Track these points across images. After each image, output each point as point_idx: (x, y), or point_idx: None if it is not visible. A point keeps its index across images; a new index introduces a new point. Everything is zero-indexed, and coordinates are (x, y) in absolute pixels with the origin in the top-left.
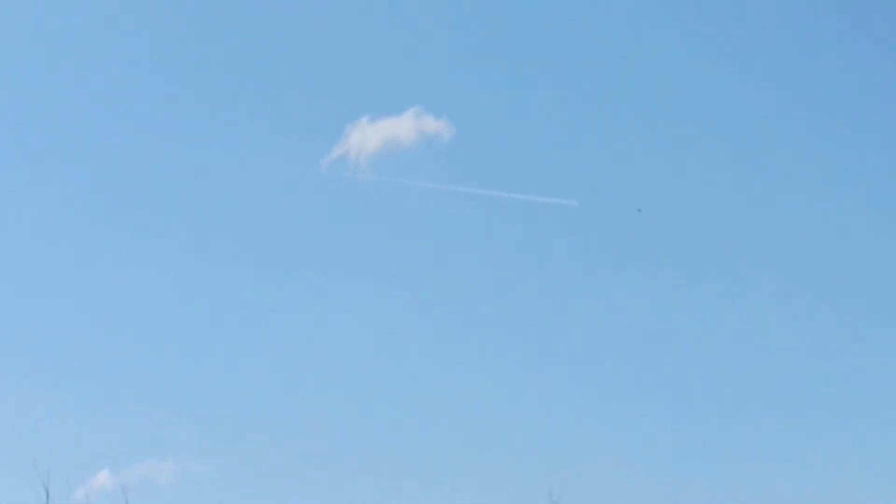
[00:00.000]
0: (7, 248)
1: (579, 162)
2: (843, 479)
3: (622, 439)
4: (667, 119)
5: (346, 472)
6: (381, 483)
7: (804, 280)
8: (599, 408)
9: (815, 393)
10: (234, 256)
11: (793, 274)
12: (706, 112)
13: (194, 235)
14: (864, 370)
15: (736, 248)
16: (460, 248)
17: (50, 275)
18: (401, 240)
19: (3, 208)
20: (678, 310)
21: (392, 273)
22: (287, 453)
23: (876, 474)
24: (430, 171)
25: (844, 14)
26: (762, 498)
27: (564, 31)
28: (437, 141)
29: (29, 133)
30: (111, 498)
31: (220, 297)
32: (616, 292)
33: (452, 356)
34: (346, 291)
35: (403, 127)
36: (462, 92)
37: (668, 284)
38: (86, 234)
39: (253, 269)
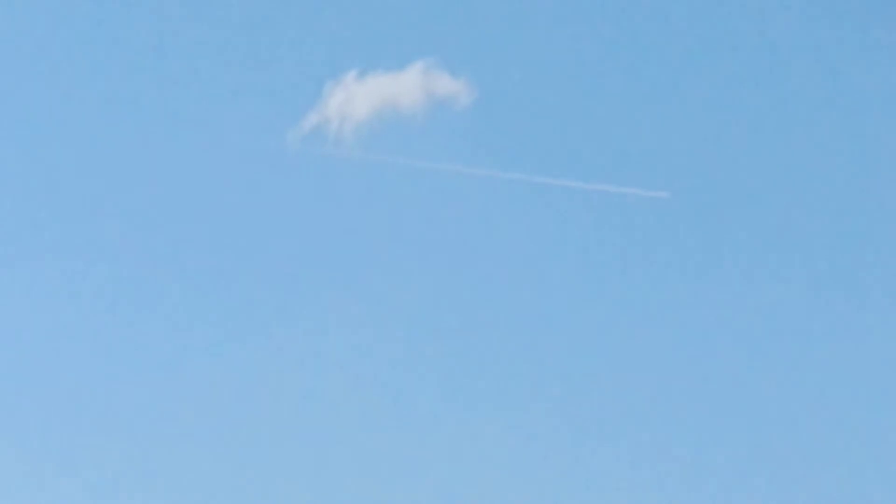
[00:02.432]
0: None
1: (640, 140)
2: None
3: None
4: (768, 93)
5: None
6: None
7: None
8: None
9: None
10: (174, 258)
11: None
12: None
13: (120, 230)
14: None
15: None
16: (479, 250)
17: None
18: (399, 238)
19: None
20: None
21: (385, 281)
22: None
23: None
24: (442, 148)
25: None
26: None
27: None
28: (453, 106)
29: None
30: None
31: (155, 307)
32: (689, 305)
33: (463, 390)
34: (323, 304)
35: (406, 86)
36: (488, 41)
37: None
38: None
39: (201, 275)
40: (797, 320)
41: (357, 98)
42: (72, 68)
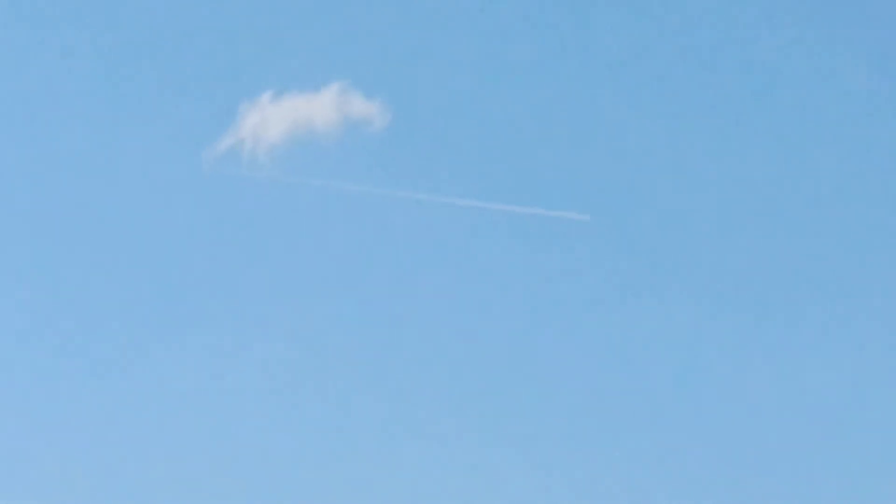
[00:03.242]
0: None
1: (554, 160)
2: None
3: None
4: (679, 105)
5: None
6: None
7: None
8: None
9: None
10: (86, 285)
11: (837, 301)
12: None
13: (34, 249)
14: None
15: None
16: (393, 271)
17: None
18: (313, 259)
19: None
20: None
21: (298, 302)
22: None
23: None
24: (356, 169)
25: None
26: None
27: None
28: (367, 128)
29: None
30: None
31: (68, 337)
32: (612, 326)
33: (388, 417)
34: (237, 324)
35: (320, 108)
36: (403, 63)
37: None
38: None
39: (112, 301)
40: (718, 340)
41: (272, 119)
42: None
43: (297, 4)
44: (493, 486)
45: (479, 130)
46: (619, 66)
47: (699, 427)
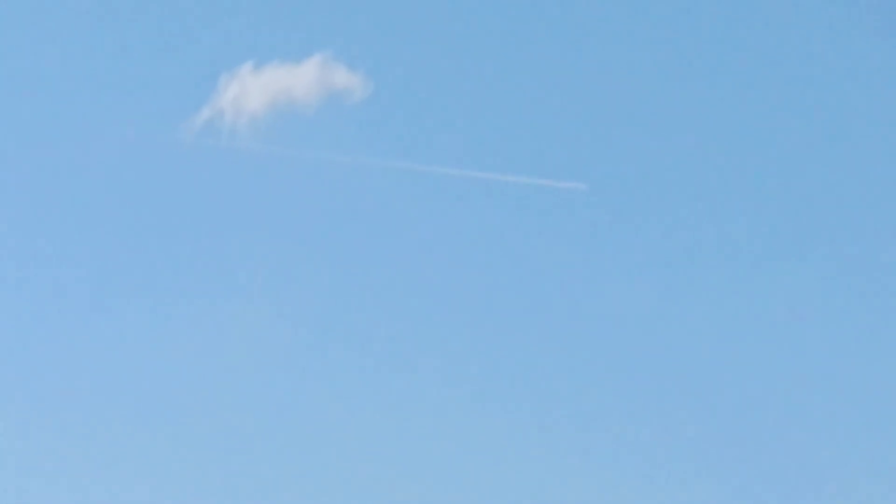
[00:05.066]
0: None
1: (542, 129)
2: None
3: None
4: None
5: None
6: None
7: (843, 278)
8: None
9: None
10: (66, 252)
11: (831, 271)
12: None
13: (17, 225)
14: None
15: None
16: (376, 242)
17: None
18: (292, 230)
19: None
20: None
21: (280, 274)
22: None
23: None
24: (337, 141)
25: None
26: None
27: None
28: (348, 100)
29: None
30: None
31: (48, 303)
32: (600, 298)
33: (357, 390)
34: (218, 297)
35: (302, 79)
36: (385, 35)
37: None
38: None
39: (93, 269)
40: (713, 311)
41: (252, 90)
42: None
43: None
44: (500, 457)
45: (461, 101)
46: (613, 30)
47: (697, 399)
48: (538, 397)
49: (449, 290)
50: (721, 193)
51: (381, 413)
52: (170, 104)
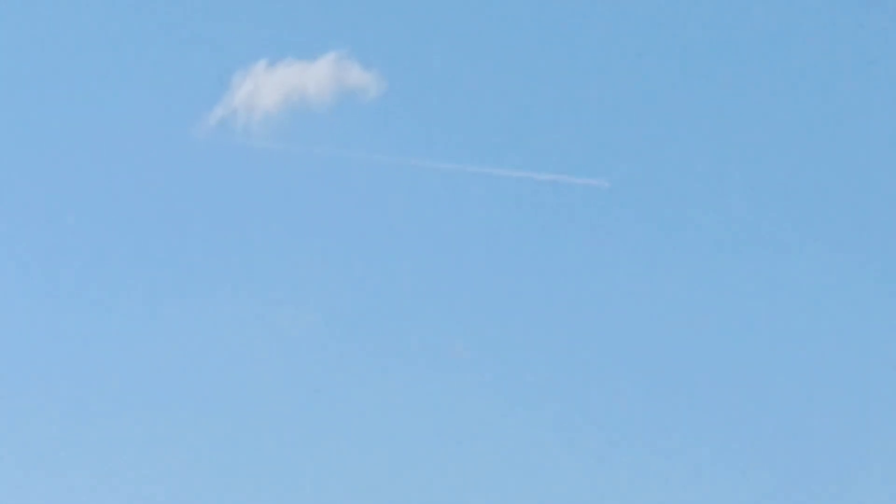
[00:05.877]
0: None
1: (562, 125)
2: None
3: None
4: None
5: None
6: None
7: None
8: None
9: None
10: (81, 250)
11: (862, 264)
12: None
13: (32, 222)
14: None
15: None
16: (390, 239)
17: None
18: (308, 226)
19: None
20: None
21: (293, 271)
22: None
23: None
24: (351, 139)
25: None
26: None
27: None
28: (363, 98)
29: None
30: None
31: (63, 301)
32: (622, 295)
33: (372, 382)
34: (229, 295)
35: (315, 77)
36: (399, 33)
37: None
38: None
39: (107, 267)
40: (737, 308)
41: (267, 88)
42: None
43: None
44: (515, 448)
45: (476, 99)
46: (634, 27)
47: (720, 396)
48: (562, 396)
49: (466, 288)
50: (745, 191)
51: (390, 411)
52: (183, 102)
